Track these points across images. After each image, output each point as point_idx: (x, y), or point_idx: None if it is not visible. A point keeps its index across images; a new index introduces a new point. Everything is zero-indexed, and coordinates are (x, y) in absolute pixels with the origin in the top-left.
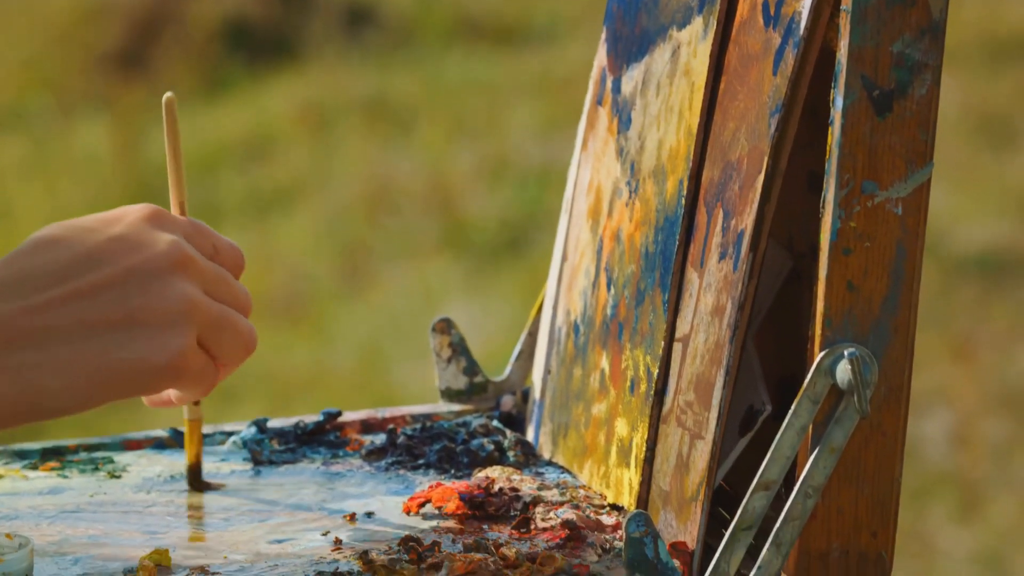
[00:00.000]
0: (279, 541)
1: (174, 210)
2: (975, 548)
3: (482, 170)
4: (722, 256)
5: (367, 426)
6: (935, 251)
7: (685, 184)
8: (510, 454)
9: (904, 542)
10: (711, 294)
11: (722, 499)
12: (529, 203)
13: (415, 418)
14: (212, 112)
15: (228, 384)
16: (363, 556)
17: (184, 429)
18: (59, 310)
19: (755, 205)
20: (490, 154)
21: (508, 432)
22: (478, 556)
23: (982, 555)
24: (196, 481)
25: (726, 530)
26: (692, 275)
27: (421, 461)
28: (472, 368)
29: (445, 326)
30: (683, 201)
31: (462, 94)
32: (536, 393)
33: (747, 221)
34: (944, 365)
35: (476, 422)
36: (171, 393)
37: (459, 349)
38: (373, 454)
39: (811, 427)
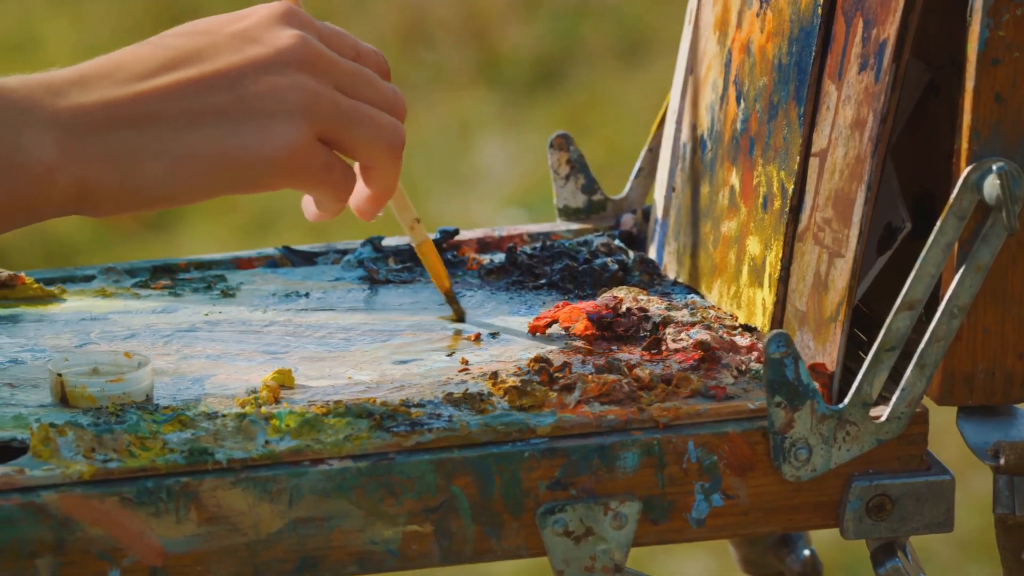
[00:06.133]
0: (403, 362)
1: None
2: None
3: (516, 2)
4: (862, 67)
5: (483, 245)
6: None
7: None
8: (635, 273)
9: None
10: (851, 107)
11: (857, 320)
12: (564, 36)
13: (533, 237)
14: None
15: (262, 214)
16: (493, 377)
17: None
18: (167, 98)
19: (898, 14)
20: None
21: (631, 251)
22: (611, 377)
23: None
24: (458, 308)
25: (862, 352)
26: (830, 87)
27: (543, 281)
28: (591, 185)
29: (563, 142)
30: (819, 11)
31: None
32: (659, 211)
33: (890, 30)
34: None
35: (598, 241)
36: (312, 204)
37: (577, 166)
38: (492, 273)
39: (957, 244)
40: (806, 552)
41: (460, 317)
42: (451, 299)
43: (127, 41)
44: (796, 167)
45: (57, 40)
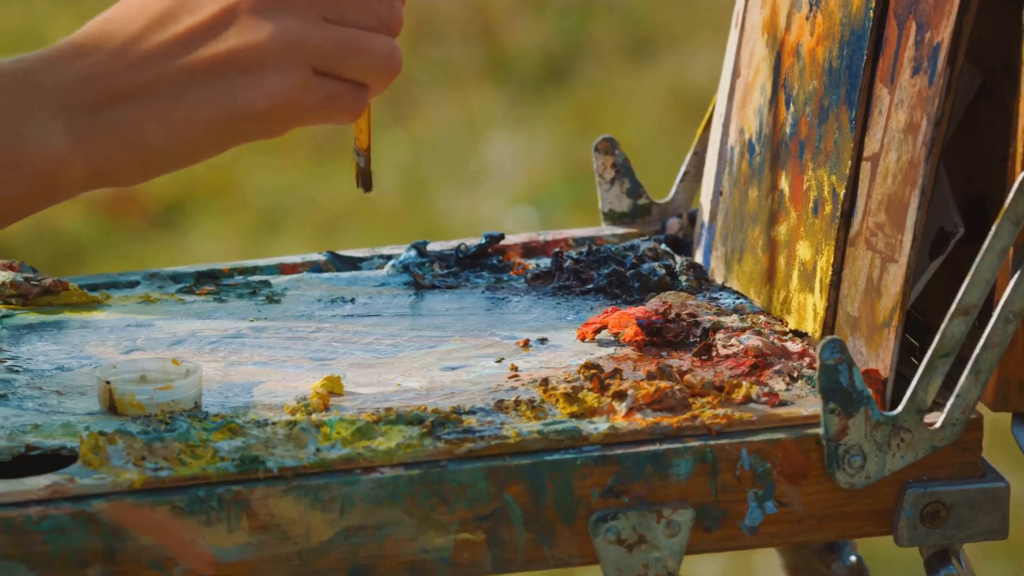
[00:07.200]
0: (452, 368)
1: None
2: None
3: None
4: (916, 71)
5: (529, 249)
6: None
7: None
8: (682, 278)
9: None
10: (903, 111)
11: (908, 325)
12: (571, 33)
13: (578, 241)
14: None
15: (271, 212)
16: (543, 383)
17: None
18: (157, 62)
19: (952, 17)
20: None
21: (677, 256)
22: (663, 384)
23: None
24: (366, 172)
25: (914, 358)
26: (882, 91)
27: (590, 286)
28: (636, 190)
29: (608, 145)
30: (871, 14)
31: None
32: (705, 215)
33: (944, 34)
34: None
35: (644, 245)
36: None
37: (623, 170)
38: (538, 278)
39: (1012, 249)
40: (852, 558)
41: (365, 184)
42: (366, 161)
43: None
44: (847, 171)
45: (62, 35)
